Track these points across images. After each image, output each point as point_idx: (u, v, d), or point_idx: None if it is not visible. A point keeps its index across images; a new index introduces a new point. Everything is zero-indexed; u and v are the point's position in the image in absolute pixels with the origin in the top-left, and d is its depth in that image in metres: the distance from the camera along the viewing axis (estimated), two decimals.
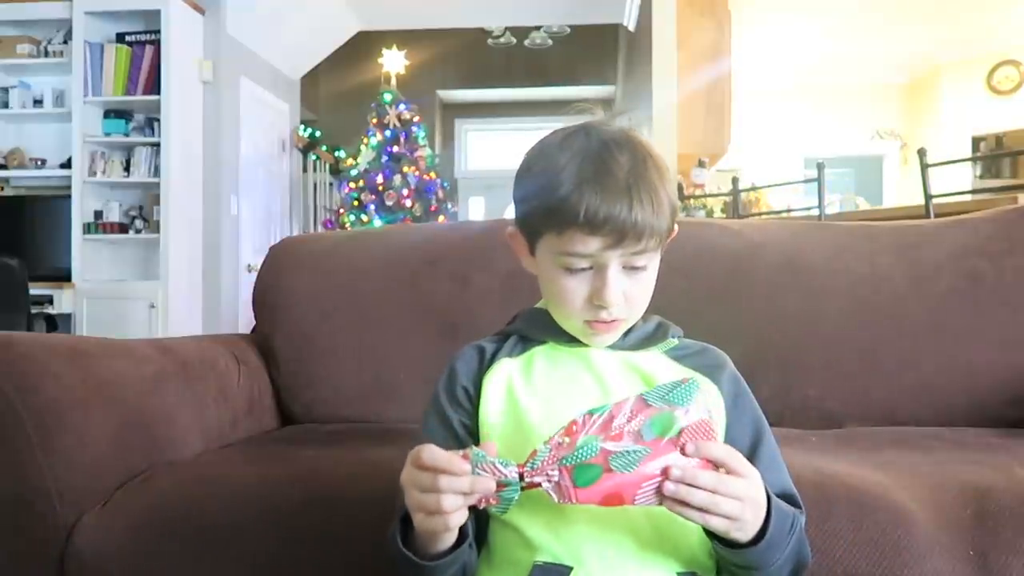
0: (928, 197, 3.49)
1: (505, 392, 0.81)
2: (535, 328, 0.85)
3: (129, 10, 4.39)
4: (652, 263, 0.79)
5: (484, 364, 0.84)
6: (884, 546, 0.92)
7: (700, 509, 0.65)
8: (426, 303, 1.58)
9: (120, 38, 4.40)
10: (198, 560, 1.04)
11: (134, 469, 1.18)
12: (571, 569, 0.72)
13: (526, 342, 0.85)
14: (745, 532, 0.69)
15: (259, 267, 1.74)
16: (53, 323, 4.09)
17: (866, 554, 0.92)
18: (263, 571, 1.03)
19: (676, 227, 0.81)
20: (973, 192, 4.04)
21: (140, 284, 4.37)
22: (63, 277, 4.28)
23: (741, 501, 0.67)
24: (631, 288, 0.78)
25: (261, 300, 1.69)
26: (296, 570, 1.03)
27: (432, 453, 0.66)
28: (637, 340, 0.83)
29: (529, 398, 0.80)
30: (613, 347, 0.83)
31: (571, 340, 0.83)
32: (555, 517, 0.74)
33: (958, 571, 0.91)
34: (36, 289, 3.92)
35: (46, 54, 4.47)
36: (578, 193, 0.73)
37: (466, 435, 0.82)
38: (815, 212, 4.13)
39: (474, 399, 0.82)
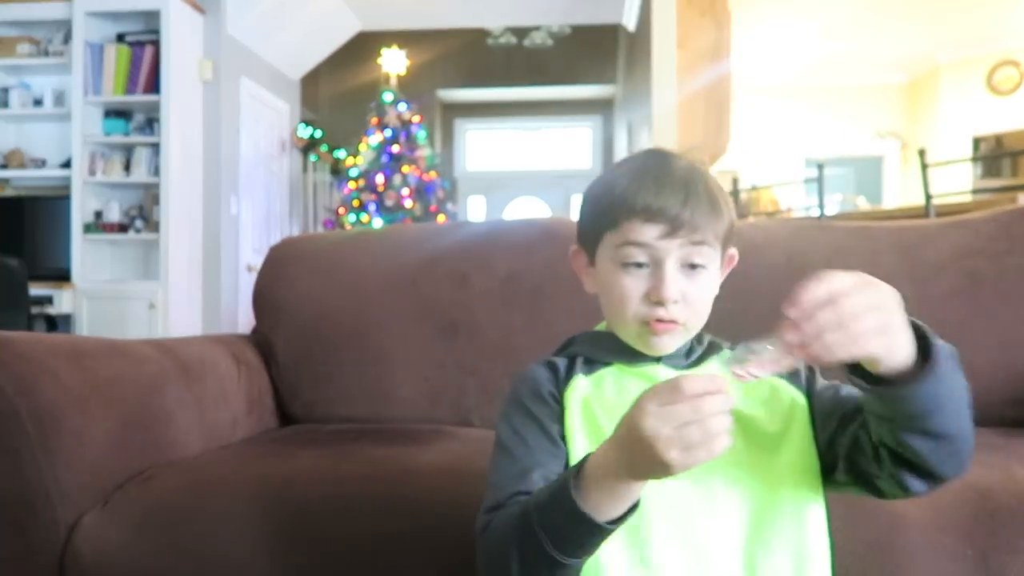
0: (928, 197, 3.49)
1: (582, 408, 0.78)
2: (600, 350, 0.82)
3: (129, 10, 4.39)
4: (711, 264, 0.78)
5: (561, 378, 0.81)
6: (880, 548, 0.92)
7: (844, 339, 0.58)
8: (426, 303, 1.58)
9: (120, 38, 4.40)
10: (198, 560, 1.04)
11: (134, 469, 1.18)
12: None
13: (591, 364, 0.82)
14: (901, 354, 0.61)
15: (259, 267, 1.74)
16: (53, 323, 4.09)
17: (861, 556, 0.92)
18: (263, 571, 1.03)
19: (736, 253, 0.83)
20: (973, 192, 4.05)
21: (140, 284, 4.37)
22: (63, 277, 4.28)
23: (879, 308, 0.59)
24: (689, 288, 0.76)
25: (261, 300, 1.69)
26: (297, 570, 1.02)
27: (692, 383, 0.59)
28: (697, 357, 0.82)
29: (605, 416, 0.77)
30: (676, 366, 0.80)
31: (636, 360, 0.80)
32: (631, 526, 0.69)
33: (957, 571, 0.91)
34: (36, 289, 3.92)
35: (46, 54, 4.46)
36: (634, 187, 0.75)
37: (555, 433, 0.77)
38: (815, 212, 4.13)
39: (559, 405, 0.79)
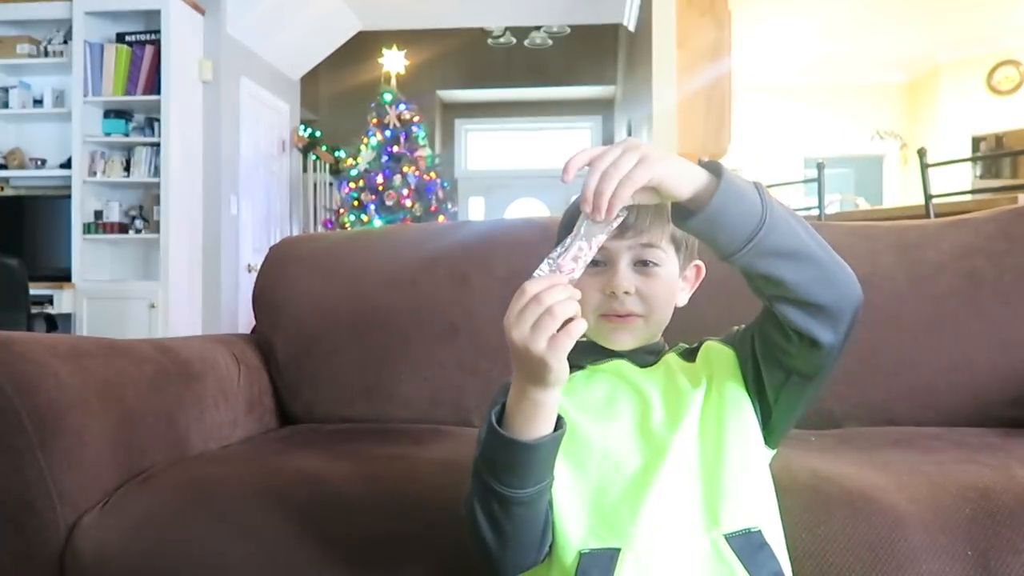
0: (928, 197, 3.49)
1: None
2: (572, 354, 0.88)
3: (129, 10, 4.39)
4: (666, 265, 0.86)
5: None
6: (880, 548, 0.92)
7: (621, 185, 0.68)
8: (426, 303, 1.58)
9: (120, 38, 4.40)
10: (198, 560, 1.04)
11: (134, 469, 1.18)
12: (619, 551, 0.74)
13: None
14: (682, 177, 0.70)
15: (259, 267, 1.74)
16: (53, 323, 4.09)
17: (861, 557, 0.92)
18: (263, 571, 1.03)
19: (703, 265, 0.91)
20: (973, 192, 4.04)
21: (140, 284, 4.37)
22: (63, 277, 4.28)
23: (630, 150, 0.69)
24: (644, 284, 0.84)
25: (261, 300, 1.69)
26: (296, 570, 1.03)
27: (532, 284, 0.68)
28: (655, 354, 0.89)
29: (579, 413, 0.83)
30: (643, 364, 0.87)
31: (604, 358, 0.87)
32: (596, 501, 0.77)
33: (956, 572, 0.91)
34: (36, 289, 3.92)
35: (46, 54, 4.46)
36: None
37: None
38: (815, 212, 4.13)
39: None
